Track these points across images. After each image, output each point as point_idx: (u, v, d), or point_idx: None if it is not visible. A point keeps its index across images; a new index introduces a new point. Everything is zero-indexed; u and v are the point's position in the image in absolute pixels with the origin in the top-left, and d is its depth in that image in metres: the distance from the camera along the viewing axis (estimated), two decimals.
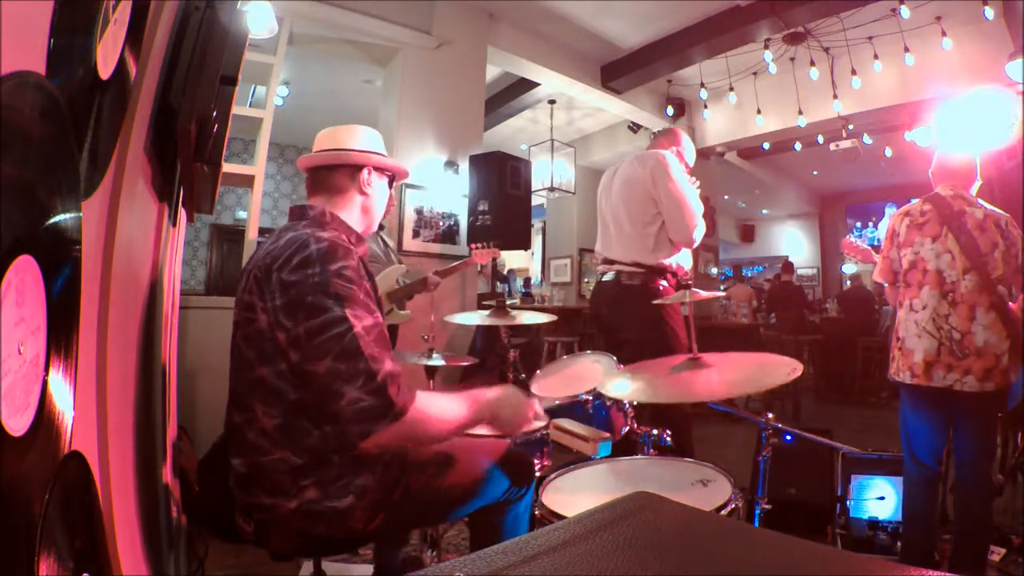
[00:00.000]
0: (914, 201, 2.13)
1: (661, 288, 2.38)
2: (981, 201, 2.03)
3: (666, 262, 2.42)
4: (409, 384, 1.11)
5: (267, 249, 1.18)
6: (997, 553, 2.11)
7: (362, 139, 1.36)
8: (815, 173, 9.59)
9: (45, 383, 0.59)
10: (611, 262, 2.51)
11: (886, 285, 2.20)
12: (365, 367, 1.05)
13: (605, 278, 2.54)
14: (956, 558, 1.95)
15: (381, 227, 2.97)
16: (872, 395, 6.05)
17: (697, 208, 2.42)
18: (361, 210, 1.35)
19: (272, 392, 1.12)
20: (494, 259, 3.48)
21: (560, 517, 1.18)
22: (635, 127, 7.00)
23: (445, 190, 4.50)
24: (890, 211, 10.15)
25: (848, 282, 7.71)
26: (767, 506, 1.48)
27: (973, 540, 1.94)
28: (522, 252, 6.40)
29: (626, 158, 2.65)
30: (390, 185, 1.42)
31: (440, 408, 1.15)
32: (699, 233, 2.41)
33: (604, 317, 2.53)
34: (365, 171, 1.33)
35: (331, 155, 1.32)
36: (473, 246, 3.23)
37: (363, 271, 1.18)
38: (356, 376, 1.05)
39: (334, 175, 1.32)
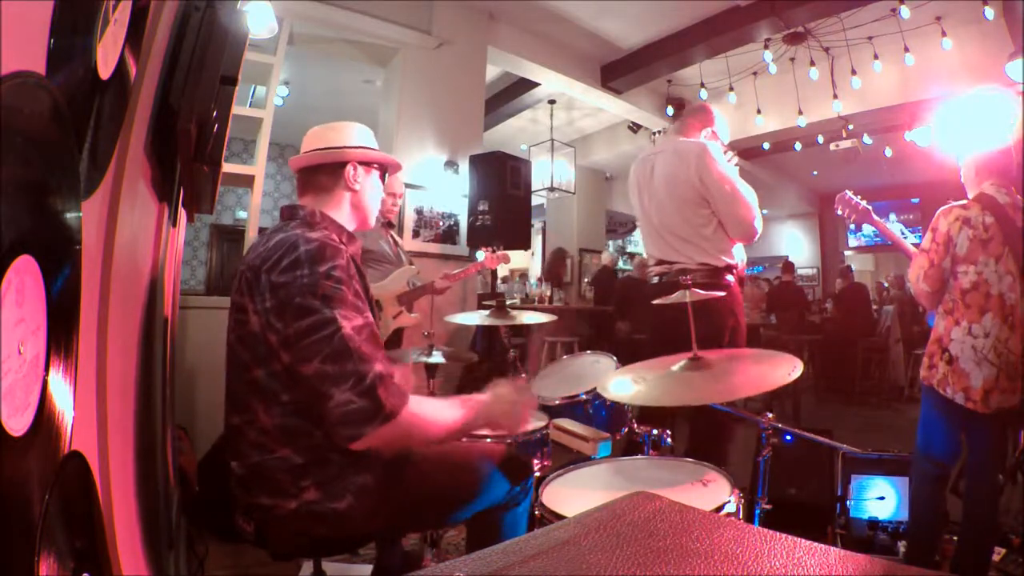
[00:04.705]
0: (956, 202, 1.98)
1: (731, 286, 2.22)
2: None
3: (732, 261, 2.24)
4: (401, 387, 1.10)
5: (257, 251, 1.17)
6: (997, 553, 2.11)
7: (346, 135, 1.34)
8: (815, 173, 9.57)
9: (45, 383, 0.59)
10: (672, 264, 2.27)
11: (921, 286, 2.01)
12: (354, 369, 1.05)
13: (666, 280, 2.26)
14: (959, 559, 1.95)
15: (391, 225, 2.93)
16: (872, 395, 6.04)
17: (751, 198, 2.20)
18: (351, 207, 1.33)
19: (268, 393, 1.11)
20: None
21: (560, 517, 1.18)
22: (635, 127, 6.99)
23: (445, 190, 4.49)
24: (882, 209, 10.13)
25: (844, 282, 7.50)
26: (767, 506, 1.48)
27: (978, 542, 1.93)
28: (521, 252, 6.38)
29: (659, 149, 2.41)
30: (382, 178, 1.40)
31: (433, 411, 1.15)
32: (759, 223, 2.21)
33: (674, 322, 2.16)
34: (350, 167, 1.31)
35: (316, 155, 1.31)
36: (486, 250, 3.19)
37: (353, 270, 1.17)
38: (345, 378, 1.05)
39: (320, 174, 1.31)
